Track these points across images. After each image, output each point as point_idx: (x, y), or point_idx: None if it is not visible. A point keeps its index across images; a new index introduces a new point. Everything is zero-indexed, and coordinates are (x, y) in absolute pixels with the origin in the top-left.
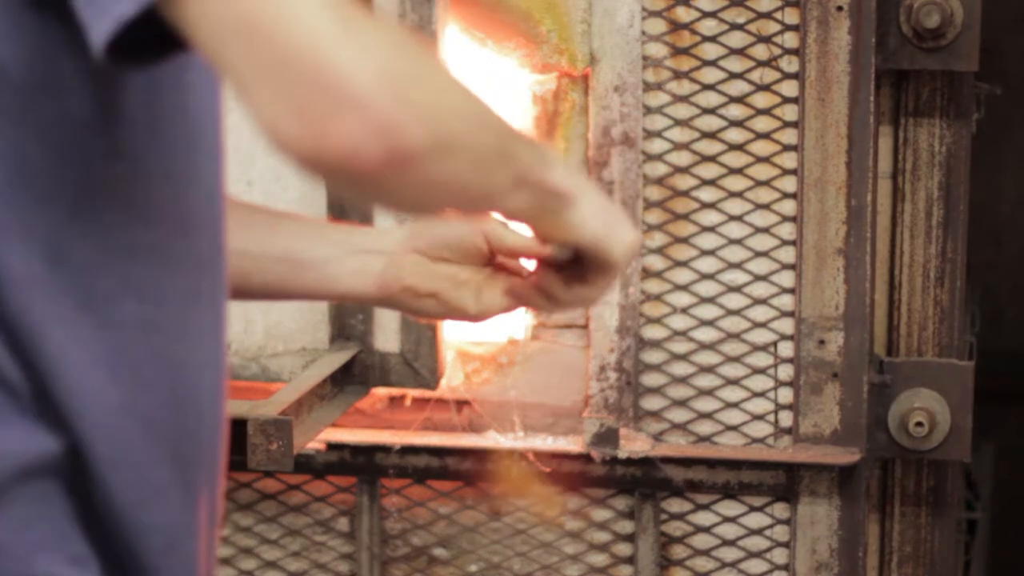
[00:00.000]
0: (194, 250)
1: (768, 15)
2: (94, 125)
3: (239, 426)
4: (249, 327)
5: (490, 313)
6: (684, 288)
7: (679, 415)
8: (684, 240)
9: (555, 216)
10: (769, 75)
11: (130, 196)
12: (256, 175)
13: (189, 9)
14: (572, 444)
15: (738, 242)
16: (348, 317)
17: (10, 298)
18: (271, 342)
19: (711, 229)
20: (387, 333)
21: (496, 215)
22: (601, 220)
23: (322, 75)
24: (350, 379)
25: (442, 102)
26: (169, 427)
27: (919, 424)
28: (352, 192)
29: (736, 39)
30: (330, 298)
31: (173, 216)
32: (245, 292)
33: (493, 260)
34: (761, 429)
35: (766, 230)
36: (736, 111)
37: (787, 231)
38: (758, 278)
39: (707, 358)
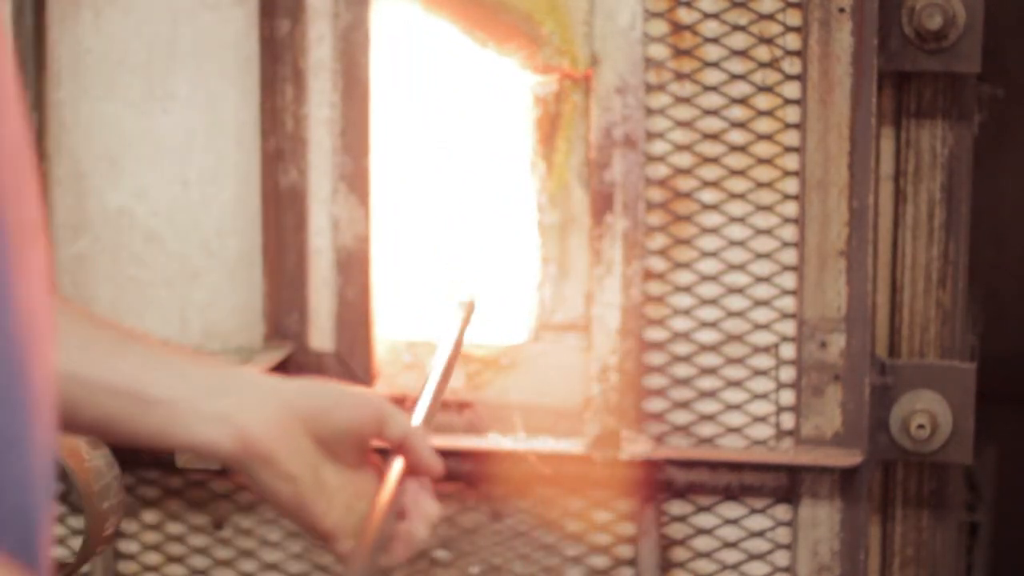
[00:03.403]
0: None
1: (770, 17)
2: None
3: None
4: (186, 326)
5: (344, 532)
6: (686, 290)
7: (680, 417)
8: (686, 242)
9: None
10: (771, 77)
11: None
12: (192, 176)
13: None
14: (573, 446)
15: (740, 244)
16: (283, 315)
17: None
18: (209, 341)
19: (713, 231)
20: (322, 332)
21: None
22: None
23: None
24: None
25: None
26: None
27: (921, 426)
28: None
29: (738, 41)
30: (172, 449)
31: None
32: (73, 426)
33: (369, 454)
34: (762, 431)
35: (768, 232)
36: (738, 113)
37: (789, 233)
38: (760, 280)
39: (708, 360)
